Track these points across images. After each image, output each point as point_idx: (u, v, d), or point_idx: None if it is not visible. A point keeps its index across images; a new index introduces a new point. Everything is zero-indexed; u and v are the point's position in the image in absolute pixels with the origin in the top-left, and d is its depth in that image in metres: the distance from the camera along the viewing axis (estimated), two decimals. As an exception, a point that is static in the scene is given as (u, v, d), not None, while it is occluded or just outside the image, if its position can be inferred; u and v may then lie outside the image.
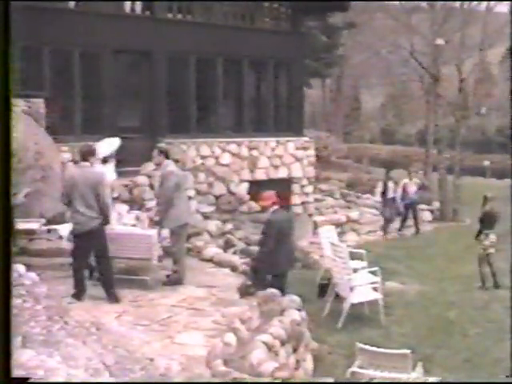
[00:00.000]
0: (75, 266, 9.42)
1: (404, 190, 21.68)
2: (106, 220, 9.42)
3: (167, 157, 11.01)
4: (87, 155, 9.45)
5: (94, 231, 9.18)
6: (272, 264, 10.27)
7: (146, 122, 18.06)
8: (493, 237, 15.15)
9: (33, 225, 11.39)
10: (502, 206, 19.27)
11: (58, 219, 12.27)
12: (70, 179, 9.42)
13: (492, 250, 15.16)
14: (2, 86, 3.17)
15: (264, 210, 10.74)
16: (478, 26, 33.29)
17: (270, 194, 10.61)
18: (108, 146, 11.08)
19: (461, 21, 30.76)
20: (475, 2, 32.98)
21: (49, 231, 11.75)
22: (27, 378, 4.28)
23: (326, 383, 8.38)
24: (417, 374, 7.92)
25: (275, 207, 10.47)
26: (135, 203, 14.34)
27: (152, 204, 13.84)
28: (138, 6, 17.81)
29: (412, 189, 21.81)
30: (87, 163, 9.38)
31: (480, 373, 9.74)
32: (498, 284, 14.77)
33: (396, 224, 22.11)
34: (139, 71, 18.30)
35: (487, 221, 15.32)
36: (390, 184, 21.59)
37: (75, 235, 9.42)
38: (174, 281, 10.60)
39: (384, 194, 21.63)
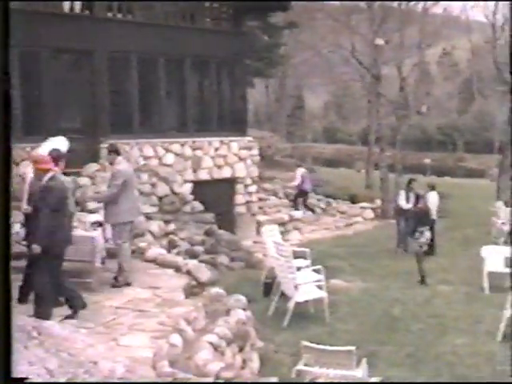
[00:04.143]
0: (29, 271, 9.22)
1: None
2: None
3: (118, 154, 10.94)
4: (57, 160, 9.25)
5: None
6: (48, 241, 8.36)
7: (88, 123, 17.82)
8: (428, 234, 15.42)
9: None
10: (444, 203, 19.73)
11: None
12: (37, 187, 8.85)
13: (426, 248, 15.46)
14: (1, 86, 3.09)
15: (39, 175, 8.86)
16: (416, 26, 33.93)
17: (45, 157, 9.11)
18: (53, 145, 10.86)
19: (399, 21, 31.25)
20: (412, 3, 33.55)
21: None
22: (26, 378, 4.24)
23: (270, 383, 8.41)
24: (361, 371, 8.00)
25: (53, 172, 8.77)
26: (77, 205, 14.14)
27: (94, 206, 13.70)
28: (77, 5, 17.56)
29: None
30: (58, 169, 9.17)
31: (423, 367, 9.91)
32: (425, 281, 15.04)
33: None
34: (80, 71, 18.06)
35: (421, 218, 15.58)
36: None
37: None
38: (124, 282, 10.51)
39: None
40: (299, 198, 24.24)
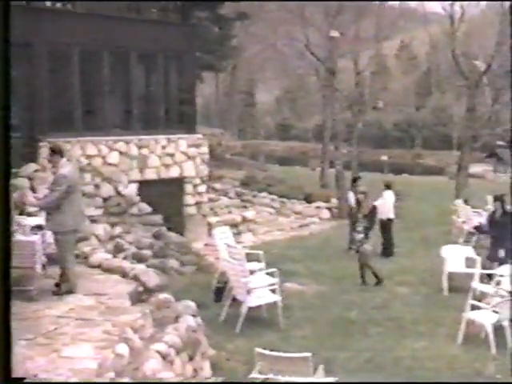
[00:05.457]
0: None
1: None
2: None
3: (62, 155, 10.68)
4: None
5: None
6: None
7: (26, 120, 17.56)
8: (370, 233, 15.62)
9: None
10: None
11: None
12: None
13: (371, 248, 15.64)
14: (1, 85, 3.03)
15: None
16: (373, 18, 34.30)
17: None
18: None
19: (355, 13, 31.51)
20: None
21: None
22: (24, 378, 4.21)
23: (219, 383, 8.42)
24: (318, 378, 8.05)
25: None
26: (15, 208, 13.92)
27: (34, 208, 13.50)
28: (13, -7, 17.28)
29: None
30: None
31: (381, 372, 10.00)
32: (381, 282, 15.21)
33: None
34: (18, 64, 17.77)
35: (373, 218, 15.72)
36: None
37: None
38: (66, 290, 10.37)
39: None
40: None
